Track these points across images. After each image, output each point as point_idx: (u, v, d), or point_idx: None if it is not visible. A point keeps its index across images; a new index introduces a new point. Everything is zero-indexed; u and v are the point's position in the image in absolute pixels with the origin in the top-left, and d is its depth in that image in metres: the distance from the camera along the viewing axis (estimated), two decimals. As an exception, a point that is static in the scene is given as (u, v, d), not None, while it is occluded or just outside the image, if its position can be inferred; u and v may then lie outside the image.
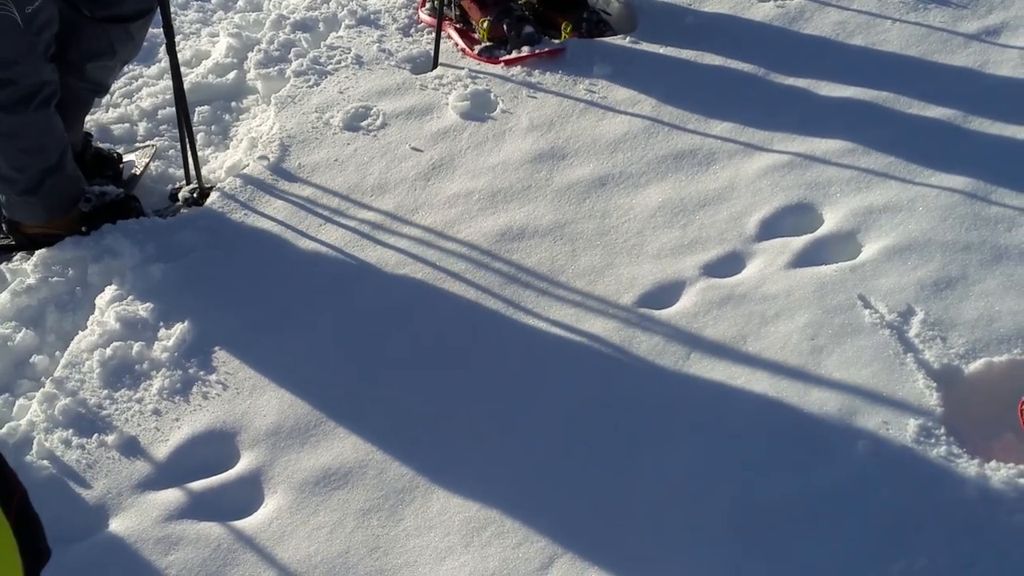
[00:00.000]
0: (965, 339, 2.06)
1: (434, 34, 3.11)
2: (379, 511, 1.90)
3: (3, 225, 2.67)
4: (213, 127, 3.08)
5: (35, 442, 2.08)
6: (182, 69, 2.74)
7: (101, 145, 2.94)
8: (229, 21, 3.54)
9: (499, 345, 2.21)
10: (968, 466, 1.83)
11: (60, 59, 2.47)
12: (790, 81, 2.87)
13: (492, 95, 2.94)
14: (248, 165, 2.79)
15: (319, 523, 1.89)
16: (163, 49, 2.91)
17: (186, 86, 2.84)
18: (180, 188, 2.78)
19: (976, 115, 2.66)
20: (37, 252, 2.57)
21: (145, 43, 2.80)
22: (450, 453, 1.99)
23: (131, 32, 2.60)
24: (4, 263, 2.59)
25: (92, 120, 3.05)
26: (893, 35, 2.98)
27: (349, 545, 1.85)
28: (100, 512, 1.95)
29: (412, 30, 3.31)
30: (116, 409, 2.15)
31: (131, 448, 2.07)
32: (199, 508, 1.94)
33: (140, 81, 3.29)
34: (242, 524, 1.91)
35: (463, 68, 3.06)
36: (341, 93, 3.02)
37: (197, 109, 3.08)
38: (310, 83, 3.08)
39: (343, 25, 3.36)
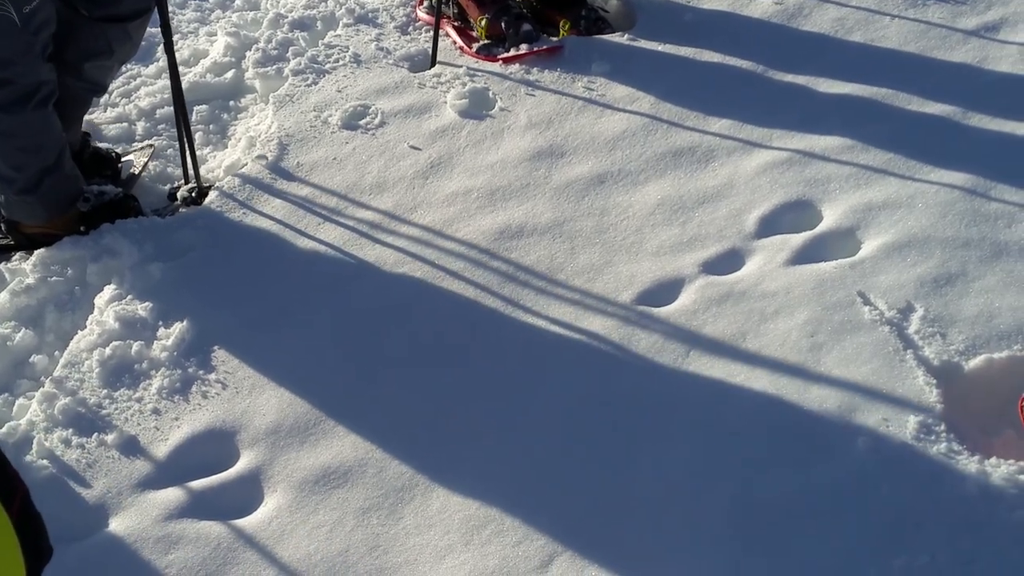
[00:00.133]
0: (965, 335, 2.06)
1: (432, 32, 3.10)
2: (379, 509, 1.90)
3: (2, 225, 2.67)
4: (211, 126, 3.08)
5: (35, 442, 2.08)
6: (180, 68, 2.74)
7: (99, 145, 2.94)
8: (227, 20, 3.53)
9: (498, 343, 2.21)
10: (968, 463, 1.83)
11: (58, 59, 2.47)
12: (789, 78, 2.87)
13: (490, 93, 2.94)
14: (246, 164, 2.79)
15: (319, 522, 1.89)
16: (161, 48, 2.91)
17: (184, 85, 2.84)
18: (179, 187, 2.78)
19: (975, 111, 2.66)
20: (36, 252, 2.57)
21: (143, 42, 2.80)
22: (449, 451, 1.99)
23: (129, 32, 2.60)
24: (3, 263, 2.59)
25: (90, 120, 3.04)
26: (892, 31, 2.98)
27: (349, 544, 1.85)
28: (100, 511, 1.95)
29: (410, 28, 3.31)
30: (116, 408, 2.15)
31: (131, 447, 2.07)
32: (199, 507, 1.94)
33: (138, 80, 3.28)
34: (242, 523, 1.91)
35: (461, 66, 3.06)
36: (339, 92, 3.02)
37: (195, 108, 3.08)
38: (308, 82, 3.08)
39: (341, 24, 3.36)
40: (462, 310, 2.30)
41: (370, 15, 3.38)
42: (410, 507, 1.89)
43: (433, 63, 3.11)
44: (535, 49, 3.05)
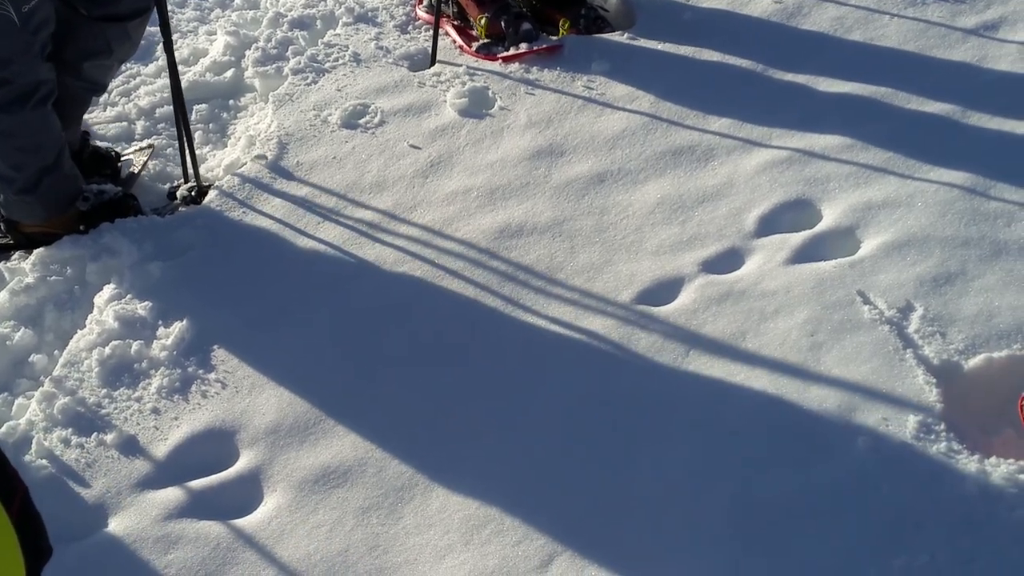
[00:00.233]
0: (964, 335, 2.06)
1: (432, 31, 3.10)
2: (378, 509, 1.90)
3: (1, 224, 2.67)
4: (211, 125, 3.08)
5: (34, 441, 2.08)
6: (180, 67, 2.73)
7: (99, 144, 2.93)
8: (226, 19, 3.53)
9: (497, 343, 2.21)
10: (968, 462, 1.83)
11: (57, 58, 2.46)
12: (788, 77, 2.87)
13: (490, 92, 2.94)
14: (246, 163, 2.79)
15: (318, 521, 1.89)
16: (160, 47, 2.91)
17: (184, 84, 2.84)
18: (178, 186, 2.78)
19: (974, 110, 2.65)
20: (35, 251, 2.57)
21: (142, 41, 2.80)
22: (449, 451, 1.99)
23: (128, 31, 2.60)
24: (2, 262, 2.59)
25: (90, 119, 3.04)
26: (891, 30, 2.98)
27: (349, 543, 1.85)
28: (99, 511, 1.95)
29: (410, 27, 3.30)
30: (115, 408, 2.15)
31: (130, 447, 2.07)
32: (198, 507, 1.94)
33: (138, 80, 3.28)
34: (241, 523, 1.91)
35: (461, 65, 3.06)
36: (339, 91, 3.02)
37: (195, 107, 3.08)
38: (308, 81, 3.08)
39: (341, 23, 3.35)
40: (462, 309, 2.29)
41: (370, 14, 3.37)
42: (410, 507, 1.89)
43: (433, 62, 3.10)
44: (535, 48, 3.05)
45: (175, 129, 2.72)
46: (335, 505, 1.91)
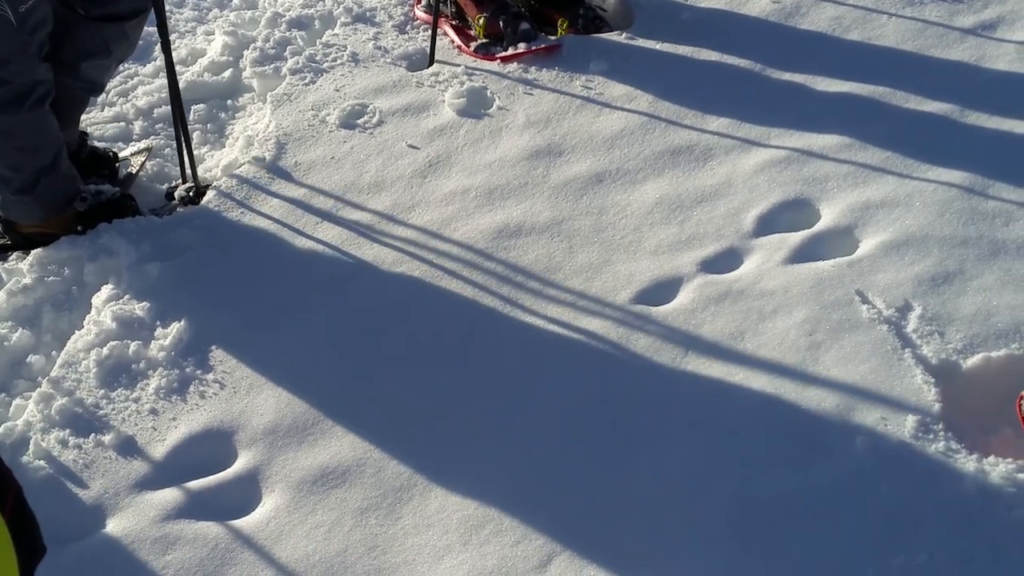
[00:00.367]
0: (963, 334, 2.06)
1: (430, 31, 3.10)
2: (377, 510, 1.89)
3: (-1, 225, 2.67)
4: (209, 125, 3.08)
5: (32, 442, 2.08)
6: (178, 67, 2.73)
7: (97, 144, 2.93)
8: (224, 19, 3.53)
9: (496, 343, 2.20)
10: (966, 461, 1.83)
11: (54, 58, 2.46)
12: (786, 77, 2.87)
13: (488, 92, 2.94)
14: (244, 164, 2.79)
15: (317, 522, 1.88)
16: (158, 47, 2.91)
17: (182, 84, 2.84)
18: (176, 187, 2.78)
19: (973, 110, 2.65)
20: (33, 252, 2.57)
21: (140, 41, 2.80)
22: (447, 451, 1.99)
23: (126, 31, 2.59)
24: (0, 263, 2.59)
25: (88, 119, 3.04)
26: (889, 30, 2.98)
27: (347, 544, 1.84)
28: (97, 512, 1.95)
29: (408, 27, 3.30)
30: (113, 409, 2.15)
31: (128, 448, 2.06)
32: (197, 507, 1.94)
33: (136, 80, 3.28)
34: (240, 523, 1.91)
35: (459, 65, 3.05)
36: (337, 91, 3.02)
37: (193, 107, 3.08)
38: (306, 81, 3.07)
39: (339, 23, 3.35)
40: (460, 309, 2.29)
41: (368, 14, 3.37)
42: (408, 507, 1.89)
43: (431, 62, 3.10)
44: (533, 48, 3.05)
45: (173, 129, 2.72)
46: (333, 506, 1.91)
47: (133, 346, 2.26)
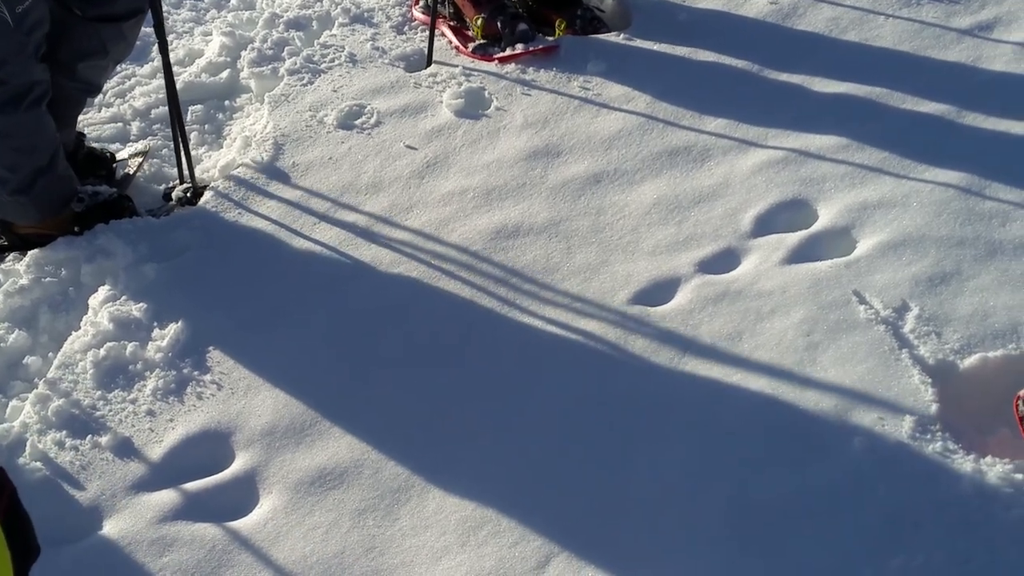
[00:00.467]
0: (960, 335, 2.06)
1: (428, 32, 3.10)
2: (375, 511, 1.89)
3: (-4, 226, 2.67)
4: (206, 126, 3.08)
5: (28, 444, 2.07)
6: (175, 68, 2.73)
7: (94, 145, 2.93)
8: (222, 20, 3.53)
9: (494, 344, 2.20)
10: (964, 462, 1.83)
11: (51, 59, 2.46)
12: (784, 77, 2.87)
13: (486, 93, 2.94)
14: (242, 164, 2.79)
15: (315, 523, 1.88)
16: (156, 48, 2.91)
17: (179, 85, 2.83)
18: (173, 187, 2.78)
19: (970, 110, 2.66)
20: (30, 252, 2.56)
21: (138, 42, 2.79)
22: (445, 452, 1.99)
23: (123, 31, 2.59)
24: (-3, 264, 2.59)
25: (85, 119, 3.03)
26: (886, 31, 2.98)
27: (345, 545, 1.84)
28: (94, 513, 1.95)
29: (406, 28, 3.30)
30: (110, 410, 2.15)
31: (125, 449, 2.06)
32: (194, 509, 1.93)
33: (133, 80, 3.28)
34: (237, 525, 1.90)
35: (457, 66, 3.05)
36: (335, 91, 3.02)
37: (190, 108, 3.07)
38: (304, 81, 3.07)
39: (336, 23, 3.35)
40: (458, 310, 2.29)
41: (366, 15, 3.37)
42: (406, 508, 1.89)
43: (429, 63, 3.10)
44: (531, 49, 3.05)
45: (170, 130, 2.72)
46: (331, 507, 1.91)
47: (130, 347, 2.26)
